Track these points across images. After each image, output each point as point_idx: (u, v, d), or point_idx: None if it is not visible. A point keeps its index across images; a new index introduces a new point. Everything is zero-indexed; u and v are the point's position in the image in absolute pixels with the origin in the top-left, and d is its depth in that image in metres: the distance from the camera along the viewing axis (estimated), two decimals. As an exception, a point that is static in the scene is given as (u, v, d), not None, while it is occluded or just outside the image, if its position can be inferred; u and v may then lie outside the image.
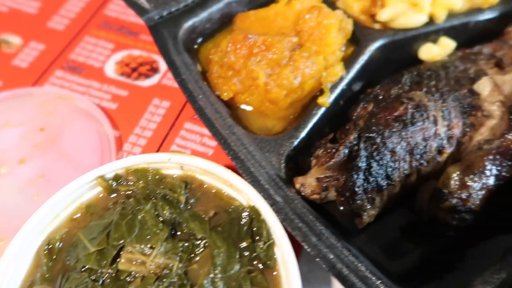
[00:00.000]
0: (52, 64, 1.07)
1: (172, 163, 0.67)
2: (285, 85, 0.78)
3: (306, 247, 0.57)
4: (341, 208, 0.70)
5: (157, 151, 0.91)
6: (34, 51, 1.10)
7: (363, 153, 0.68)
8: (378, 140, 0.70)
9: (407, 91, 0.79)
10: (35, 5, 1.19)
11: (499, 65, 0.86)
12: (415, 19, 0.88)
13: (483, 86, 0.76)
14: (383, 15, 0.88)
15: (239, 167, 0.65)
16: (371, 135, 0.70)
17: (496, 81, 0.77)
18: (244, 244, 0.60)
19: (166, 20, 0.88)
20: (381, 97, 0.80)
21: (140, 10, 0.89)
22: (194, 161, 0.65)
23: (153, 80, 1.03)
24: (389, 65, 0.92)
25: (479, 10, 0.93)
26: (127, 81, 1.03)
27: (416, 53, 0.93)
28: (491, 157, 0.70)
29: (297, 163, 0.77)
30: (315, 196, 0.70)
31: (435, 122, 0.73)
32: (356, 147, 0.69)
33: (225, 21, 0.94)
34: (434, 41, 0.92)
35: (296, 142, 0.76)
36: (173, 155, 0.66)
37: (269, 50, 0.78)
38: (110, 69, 1.06)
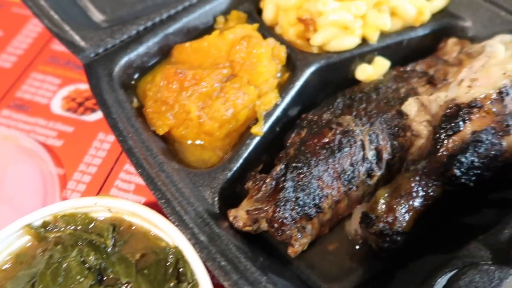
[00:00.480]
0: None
1: (99, 207, 0.67)
2: (218, 117, 0.79)
3: (226, 285, 0.58)
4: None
5: (101, 187, 0.91)
6: (-20, 90, 1.10)
7: (289, 184, 0.69)
8: (305, 169, 0.71)
9: (338, 116, 0.81)
10: (-19, 44, 1.20)
11: (431, 82, 0.88)
12: (347, 42, 0.90)
13: (410, 107, 0.78)
14: (315, 40, 0.90)
15: (164, 207, 0.66)
16: (298, 164, 0.71)
17: (422, 101, 0.78)
18: (169, 286, 0.60)
19: (102, 58, 0.89)
20: (314, 122, 0.82)
21: (75, 49, 0.89)
22: (120, 203, 0.66)
23: (99, 114, 1.03)
24: (328, 87, 0.94)
25: (411, 28, 0.95)
26: (73, 116, 1.04)
27: (354, 73, 0.95)
28: (417, 178, 0.71)
29: (235, 194, 0.78)
30: (248, 228, 0.71)
31: (362, 147, 0.74)
32: (283, 178, 0.70)
33: (163, 53, 0.95)
34: (370, 61, 0.94)
35: (229, 174, 0.76)
36: (99, 199, 0.66)
37: (199, 84, 0.79)
38: (57, 105, 1.06)
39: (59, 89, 1.09)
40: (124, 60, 0.89)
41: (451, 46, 0.94)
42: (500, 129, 0.70)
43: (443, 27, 0.96)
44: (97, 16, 1.05)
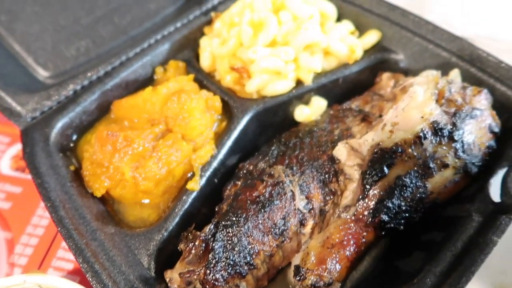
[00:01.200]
0: None
1: (29, 284, 0.67)
2: (151, 176, 0.79)
3: None
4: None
5: (48, 250, 0.91)
6: None
7: (218, 244, 0.70)
8: (235, 227, 0.71)
9: (272, 165, 0.82)
10: None
11: (366, 120, 0.89)
12: (281, 86, 0.91)
13: (340, 152, 0.79)
14: (249, 87, 0.91)
15: (91, 280, 0.66)
16: (227, 223, 0.72)
17: (352, 145, 0.79)
18: None
19: (39, 122, 0.89)
20: (249, 172, 0.83)
21: (12, 115, 0.90)
22: (48, 280, 0.66)
23: (47, 172, 1.03)
24: (268, 129, 0.95)
25: (346, 65, 0.97)
26: (22, 176, 1.04)
27: (293, 114, 0.96)
28: (347, 226, 0.72)
29: (175, 253, 0.78)
30: (183, 290, 0.71)
31: (293, 197, 0.75)
32: (212, 238, 0.71)
33: (103, 110, 0.96)
34: (308, 101, 0.95)
35: (166, 234, 0.77)
36: (28, 276, 0.67)
37: (130, 145, 0.79)
38: (5, 165, 1.06)
39: (8, 147, 1.09)
40: (61, 123, 0.89)
41: (386, 81, 0.95)
42: (423, 172, 0.71)
43: (378, 62, 0.98)
44: (41, 74, 1.06)
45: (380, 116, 0.89)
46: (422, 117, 0.71)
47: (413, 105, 0.74)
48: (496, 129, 0.75)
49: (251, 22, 0.93)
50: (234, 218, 0.72)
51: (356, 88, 0.98)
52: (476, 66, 0.87)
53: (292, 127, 0.93)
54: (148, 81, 1.00)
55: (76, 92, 0.94)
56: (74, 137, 0.91)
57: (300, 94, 0.94)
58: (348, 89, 0.98)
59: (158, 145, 0.81)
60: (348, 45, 0.95)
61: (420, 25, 0.94)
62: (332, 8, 1.00)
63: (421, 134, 0.70)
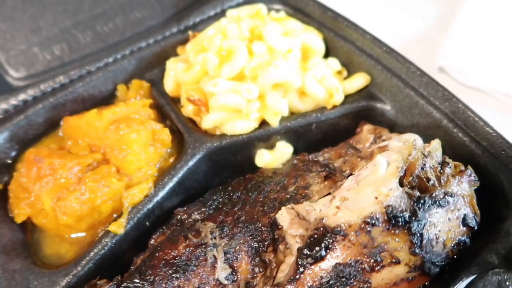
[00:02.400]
0: None
1: None
2: (72, 212, 0.71)
3: None
4: None
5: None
6: None
7: (114, 310, 0.60)
8: (138, 292, 0.62)
9: (205, 219, 0.71)
10: None
11: (331, 177, 0.77)
12: (241, 126, 0.80)
13: (282, 218, 0.67)
14: (205, 123, 0.81)
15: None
16: (129, 286, 0.62)
17: (298, 211, 0.67)
18: None
19: (-21, 130, 0.84)
20: (181, 222, 0.73)
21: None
22: None
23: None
24: (225, 170, 0.85)
25: (322, 109, 0.84)
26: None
27: (254, 154, 0.85)
28: (270, 311, 0.61)
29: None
30: None
31: (213, 265, 0.64)
32: (111, 301, 0.61)
33: (53, 124, 0.88)
34: (273, 145, 0.84)
35: (74, 280, 0.68)
36: None
37: (54, 175, 0.72)
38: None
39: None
40: (2, 136, 0.83)
41: (366, 133, 0.82)
42: (368, 265, 0.58)
43: (361, 109, 0.85)
44: (11, 74, 1.01)
45: (351, 174, 0.77)
46: (376, 198, 0.58)
47: (371, 179, 0.61)
48: (472, 223, 0.61)
49: (220, 50, 0.83)
50: (139, 282, 0.62)
51: (332, 136, 0.85)
52: (469, 136, 0.72)
53: (250, 173, 0.82)
54: (107, 98, 0.92)
55: (26, 102, 0.88)
56: (13, 153, 0.84)
57: (265, 136, 0.83)
58: (323, 136, 0.86)
59: (85, 178, 0.72)
60: (327, 88, 0.83)
61: (414, 75, 0.80)
62: (319, 42, 0.88)
63: (370, 220, 0.57)
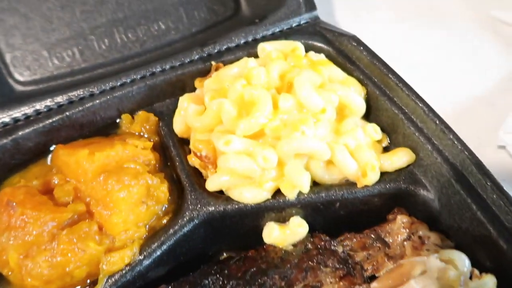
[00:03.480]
0: None
1: None
2: (39, 275, 0.61)
3: None
4: None
5: None
6: None
7: None
8: None
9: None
10: None
11: (348, 278, 0.64)
12: (250, 195, 0.67)
13: (280, 335, 0.55)
14: (209, 185, 0.68)
15: None
16: None
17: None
18: None
19: (-39, 149, 0.74)
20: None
21: None
22: None
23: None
24: (225, 239, 0.73)
25: (351, 185, 0.70)
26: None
27: (261, 225, 0.72)
28: None
29: None
30: None
31: None
32: None
33: (43, 151, 0.78)
34: (285, 218, 0.71)
35: None
36: None
37: (24, 229, 0.62)
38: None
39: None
40: (-16, 156, 0.74)
41: (399, 225, 0.68)
42: None
43: (398, 192, 0.70)
44: (15, 77, 0.91)
45: (373, 277, 0.64)
46: None
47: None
48: None
49: (241, 98, 0.70)
50: None
51: (357, 218, 0.71)
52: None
53: (254, 247, 0.69)
54: (109, 127, 0.81)
55: (17, 122, 0.78)
56: (-7, 179, 0.76)
57: (277, 207, 0.70)
58: (346, 216, 0.72)
59: (59, 237, 0.62)
60: (361, 163, 0.68)
61: (473, 172, 0.63)
62: (360, 102, 0.74)
63: None
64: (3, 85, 0.90)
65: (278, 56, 0.76)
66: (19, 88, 0.92)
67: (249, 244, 0.72)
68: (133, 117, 0.81)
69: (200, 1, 1.01)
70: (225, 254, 0.74)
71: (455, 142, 0.66)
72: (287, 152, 0.65)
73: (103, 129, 0.81)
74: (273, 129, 0.67)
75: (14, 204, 0.63)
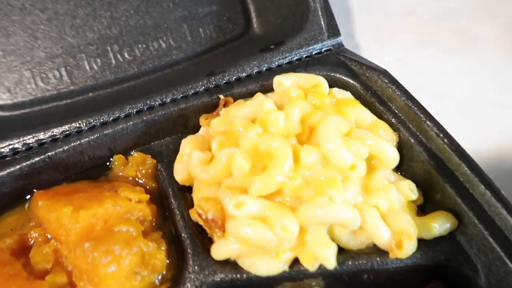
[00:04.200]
0: None
1: None
2: None
3: None
4: None
5: None
6: None
7: None
8: None
9: None
10: None
11: None
12: (264, 267, 0.56)
13: None
14: (215, 252, 0.58)
15: None
16: None
17: None
18: None
19: None
20: None
21: None
22: None
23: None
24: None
25: (382, 255, 0.60)
26: None
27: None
28: None
29: None
30: None
31: None
32: None
33: (22, 196, 0.67)
34: (304, 289, 0.61)
35: None
36: None
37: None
38: None
39: None
40: None
41: (438, 306, 0.58)
42: None
43: (437, 264, 0.60)
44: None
45: None
46: None
47: None
48: None
49: (255, 148, 0.59)
50: None
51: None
52: None
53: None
54: (99, 168, 0.70)
55: (-11, 162, 0.66)
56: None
57: (295, 278, 0.60)
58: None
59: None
60: (395, 231, 0.58)
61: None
62: (393, 152, 0.63)
63: None
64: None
65: (298, 95, 0.65)
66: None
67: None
68: (127, 158, 0.70)
69: (206, 17, 0.90)
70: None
71: (508, 213, 0.56)
72: (310, 219, 0.54)
73: (92, 170, 0.70)
74: (294, 189, 0.56)
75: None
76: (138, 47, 0.87)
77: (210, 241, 0.62)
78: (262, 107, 0.63)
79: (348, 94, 0.70)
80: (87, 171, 0.70)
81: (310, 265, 0.57)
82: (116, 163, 0.69)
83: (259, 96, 0.68)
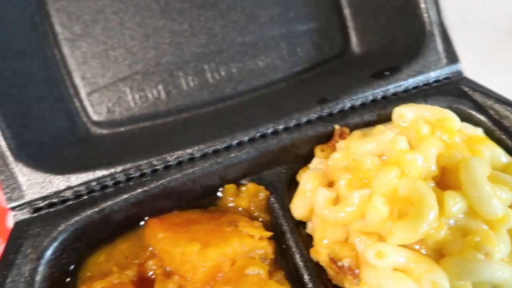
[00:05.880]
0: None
1: None
2: None
3: None
4: None
5: None
6: None
7: None
8: None
9: None
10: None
11: None
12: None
13: None
14: (350, 301, 0.54)
15: None
16: None
17: None
18: None
19: (40, 220, 0.61)
20: None
21: (11, 194, 0.63)
22: None
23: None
24: None
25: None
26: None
27: None
28: None
29: None
30: None
31: None
32: None
33: (134, 223, 0.66)
34: None
35: None
36: None
37: None
38: (13, 215, 0.83)
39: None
40: (68, 232, 0.61)
41: None
42: None
43: None
44: (90, 116, 0.79)
45: None
46: None
47: None
48: None
49: (393, 192, 0.55)
50: None
51: None
52: None
53: None
54: (208, 197, 0.68)
55: (105, 188, 0.65)
56: (72, 267, 0.62)
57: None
58: None
59: None
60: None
61: None
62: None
63: None
64: (78, 128, 0.78)
65: (431, 132, 0.61)
66: (95, 130, 0.80)
67: None
68: (238, 189, 0.67)
69: (304, 35, 0.87)
70: None
71: None
72: (460, 276, 0.50)
73: (201, 200, 0.68)
74: (439, 241, 0.52)
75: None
76: (236, 66, 0.84)
77: (330, 282, 0.59)
78: (394, 145, 0.59)
79: (479, 131, 0.65)
80: (197, 200, 0.68)
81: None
82: (227, 192, 0.67)
83: (382, 131, 0.64)
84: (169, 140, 0.70)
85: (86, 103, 0.80)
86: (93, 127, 0.80)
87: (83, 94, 0.80)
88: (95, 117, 0.80)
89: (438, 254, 0.53)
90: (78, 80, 0.80)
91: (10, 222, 0.82)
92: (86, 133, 0.79)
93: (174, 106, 0.82)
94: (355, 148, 0.62)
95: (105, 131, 0.80)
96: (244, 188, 0.66)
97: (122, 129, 0.80)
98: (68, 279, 0.61)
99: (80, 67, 0.79)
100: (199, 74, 0.83)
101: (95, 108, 0.80)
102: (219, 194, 0.68)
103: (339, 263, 0.54)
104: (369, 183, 0.57)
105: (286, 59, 0.86)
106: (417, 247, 0.54)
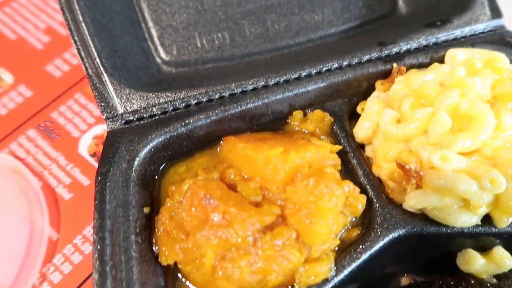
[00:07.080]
0: (30, 119, 0.94)
1: None
2: (236, 280, 0.56)
3: None
4: None
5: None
6: (19, 97, 0.97)
7: None
8: None
9: None
10: (44, 40, 1.07)
11: None
12: (462, 220, 0.60)
13: None
14: (409, 202, 0.62)
15: None
16: None
17: None
18: None
19: (132, 130, 0.69)
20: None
21: (105, 107, 0.71)
22: None
23: (122, 174, 0.85)
24: (408, 260, 0.67)
25: None
26: (96, 164, 0.87)
27: (454, 254, 0.66)
28: None
29: None
30: None
31: None
32: None
33: (211, 140, 0.73)
34: (484, 247, 0.64)
35: None
36: None
37: (228, 227, 0.56)
38: (85, 144, 0.90)
39: (96, 124, 0.93)
40: (156, 141, 0.68)
41: None
42: None
43: None
44: (161, 55, 0.86)
45: None
46: None
47: None
48: None
49: (454, 110, 0.63)
50: None
51: None
52: None
53: (449, 278, 0.63)
54: (277, 122, 0.75)
55: (188, 106, 0.72)
56: (162, 166, 0.70)
57: (478, 234, 0.63)
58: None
59: (263, 241, 0.56)
60: None
61: None
62: None
63: None
64: (151, 65, 0.85)
65: (484, 66, 0.69)
66: (165, 67, 0.87)
67: (434, 269, 0.66)
68: (305, 115, 0.75)
69: (357, -6, 0.95)
70: (405, 276, 0.68)
71: None
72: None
73: (271, 124, 0.75)
74: (494, 150, 0.60)
75: (213, 200, 0.57)
76: (295, 18, 0.92)
77: (389, 194, 0.67)
78: (454, 73, 0.66)
79: (525, 69, 0.73)
80: (267, 123, 0.75)
81: (502, 222, 0.61)
82: (294, 118, 0.74)
83: (438, 66, 0.72)
84: (245, 70, 0.78)
85: (157, 43, 0.87)
86: (163, 65, 0.87)
87: (155, 35, 0.88)
88: (165, 57, 0.87)
89: (493, 164, 0.61)
90: (151, 24, 0.88)
91: (81, 149, 0.89)
92: (157, 70, 0.87)
93: (238, 52, 0.90)
94: (415, 80, 0.70)
95: (174, 70, 0.88)
96: (311, 114, 0.74)
97: (189, 69, 0.88)
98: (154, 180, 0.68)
99: (154, 12, 0.87)
100: (261, 24, 0.90)
101: (166, 49, 0.87)
102: (287, 120, 0.76)
103: (407, 166, 0.61)
104: (431, 106, 0.65)
105: (339, 16, 0.93)
106: (474, 158, 0.62)
